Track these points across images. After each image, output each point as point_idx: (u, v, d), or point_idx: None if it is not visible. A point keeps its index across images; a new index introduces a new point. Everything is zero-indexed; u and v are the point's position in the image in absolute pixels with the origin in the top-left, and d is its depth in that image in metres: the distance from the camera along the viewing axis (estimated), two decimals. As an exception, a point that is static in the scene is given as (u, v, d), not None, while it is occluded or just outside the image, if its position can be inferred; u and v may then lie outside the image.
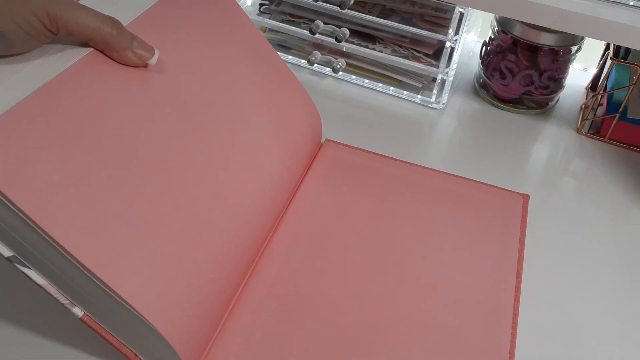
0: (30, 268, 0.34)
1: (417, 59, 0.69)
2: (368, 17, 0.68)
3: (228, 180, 0.45)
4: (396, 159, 0.60)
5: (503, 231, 0.52)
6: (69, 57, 0.38)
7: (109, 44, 0.39)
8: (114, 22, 0.39)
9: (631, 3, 0.56)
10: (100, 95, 0.38)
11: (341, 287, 0.47)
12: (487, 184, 0.57)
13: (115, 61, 0.40)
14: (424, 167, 0.59)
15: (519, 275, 0.48)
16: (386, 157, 0.60)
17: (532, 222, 0.55)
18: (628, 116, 0.64)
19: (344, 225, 0.52)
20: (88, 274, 0.33)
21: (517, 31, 0.65)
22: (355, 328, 0.44)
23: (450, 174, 0.58)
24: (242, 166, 0.46)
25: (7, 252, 0.33)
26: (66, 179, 0.33)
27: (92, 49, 0.39)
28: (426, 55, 0.69)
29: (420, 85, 0.71)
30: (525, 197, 0.56)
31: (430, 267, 0.49)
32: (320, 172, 0.57)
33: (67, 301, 0.36)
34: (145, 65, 0.42)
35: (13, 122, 0.32)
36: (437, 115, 0.69)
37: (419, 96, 0.71)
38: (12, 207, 0.31)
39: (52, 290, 0.35)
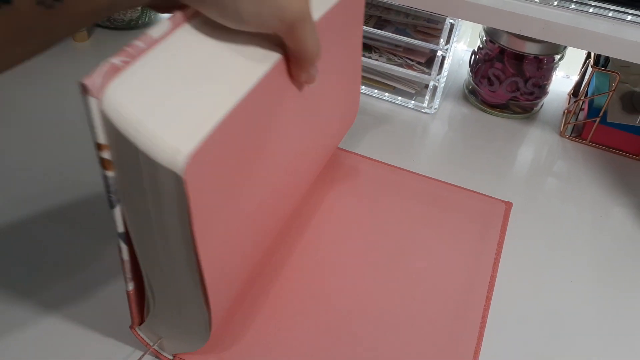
0: (126, 245, 0.35)
1: (410, 67, 0.70)
2: (365, 27, 0.69)
3: (296, 182, 0.47)
4: (386, 163, 0.61)
5: (483, 236, 0.54)
6: (264, 58, 0.36)
7: (301, 64, 0.38)
8: (320, 48, 0.38)
9: (610, 15, 0.58)
10: (275, 101, 0.38)
11: (324, 280, 0.49)
12: (473, 191, 0.59)
13: (288, 71, 0.39)
14: (412, 172, 0.60)
15: (492, 277, 0.50)
16: (377, 160, 0.62)
17: (517, 220, 0.56)
18: (608, 120, 0.66)
19: (332, 222, 0.54)
20: (191, 257, 0.33)
21: (504, 41, 0.66)
22: (334, 318, 0.46)
23: (438, 180, 0.60)
24: (308, 167, 0.50)
25: (121, 229, 0.34)
26: (231, 188, 0.34)
27: (279, 55, 0.37)
28: (419, 63, 0.70)
29: (413, 92, 0.72)
30: (508, 205, 0.57)
31: (410, 266, 0.50)
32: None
33: (130, 276, 0.37)
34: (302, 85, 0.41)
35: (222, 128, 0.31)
36: (430, 120, 0.70)
37: (412, 102, 0.72)
38: (182, 197, 0.29)
39: (128, 266, 0.36)
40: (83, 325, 0.44)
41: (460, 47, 0.82)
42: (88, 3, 0.30)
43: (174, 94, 0.30)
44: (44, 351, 0.43)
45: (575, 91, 0.75)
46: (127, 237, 0.35)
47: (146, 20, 0.83)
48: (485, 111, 0.73)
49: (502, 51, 0.68)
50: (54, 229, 0.52)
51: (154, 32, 0.31)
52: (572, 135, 0.70)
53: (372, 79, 0.74)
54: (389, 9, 0.71)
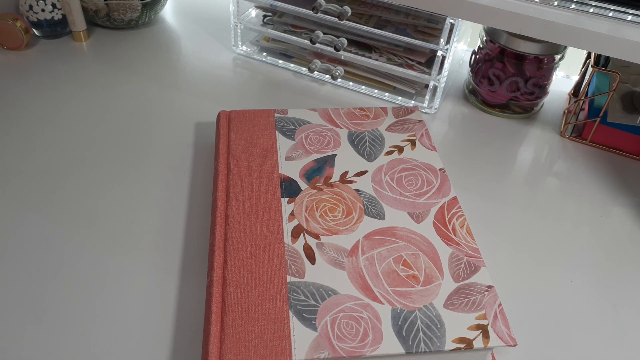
0: None
1: (410, 67, 0.70)
2: (365, 27, 0.69)
3: None
4: None
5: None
6: None
7: None
8: None
9: (610, 15, 0.58)
10: None
11: None
12: None
13: None
14: None
15: None
16: None
17: (516, 220, 0.57)
18: (608, 120, 0.66)
19: None
20: None
21: (504, 41, 0.66)
22: None
23: None
24: None
25: None
26: None
27: None
28: (419, 63, 0.70)
29: (413, 92, 0.73)
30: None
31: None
32: None
33: None
34: None
35: None
36: (430, 120, 0.70)
37: (413, 102, 0.72)
38: None
39: None
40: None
41: (461, 47, 0.82)
42: None
43: None
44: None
45: (576, 91, 0.75)
46: None
47: (146, 20, 0.83)
48: (485, 111, 0.73)
49: (503, 51, 0.68)
50: (53, 228, 0.52)
51: None
52: (573, 135, 0.70)
53: (372, 79, 0.74)
54: (389, 9, 0.71)
